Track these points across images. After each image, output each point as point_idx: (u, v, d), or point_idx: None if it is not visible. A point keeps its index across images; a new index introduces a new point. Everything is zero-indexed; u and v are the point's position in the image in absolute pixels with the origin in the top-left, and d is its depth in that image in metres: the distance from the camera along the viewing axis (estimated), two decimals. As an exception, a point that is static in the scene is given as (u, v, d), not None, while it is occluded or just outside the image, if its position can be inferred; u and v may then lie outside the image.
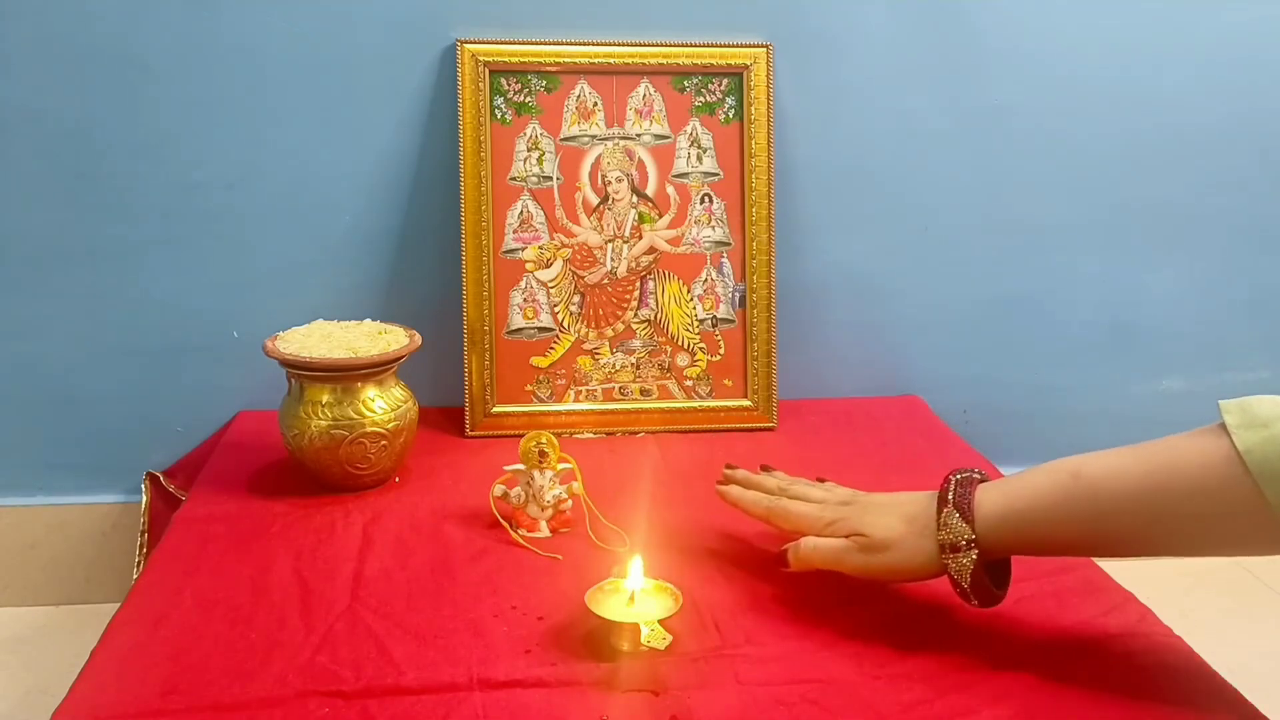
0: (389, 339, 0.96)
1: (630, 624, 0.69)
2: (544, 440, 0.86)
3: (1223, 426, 0.60)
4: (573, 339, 1.11)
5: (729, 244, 1.13)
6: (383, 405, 0.93)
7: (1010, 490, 0.68)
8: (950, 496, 0.69)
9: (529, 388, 1.11)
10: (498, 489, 0.88)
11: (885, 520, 0.72)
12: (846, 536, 0.73)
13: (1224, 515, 0.60)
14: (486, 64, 1.08)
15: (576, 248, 1.11)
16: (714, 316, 1.13)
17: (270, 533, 0.87)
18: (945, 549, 0.68)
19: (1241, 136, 1.21)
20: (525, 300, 1.11)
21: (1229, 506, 0.59)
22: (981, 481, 0.70)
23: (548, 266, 1.11)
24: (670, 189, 1.12)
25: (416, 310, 1.11)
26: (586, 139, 1.11)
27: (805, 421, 1.14)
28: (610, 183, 1.11)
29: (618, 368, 1.12)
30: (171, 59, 1.06)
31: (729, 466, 0.85)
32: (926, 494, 0.72)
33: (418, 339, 0.97)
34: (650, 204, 1.12)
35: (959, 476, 0.70)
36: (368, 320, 1.00)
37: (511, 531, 0.87)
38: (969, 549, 0.68)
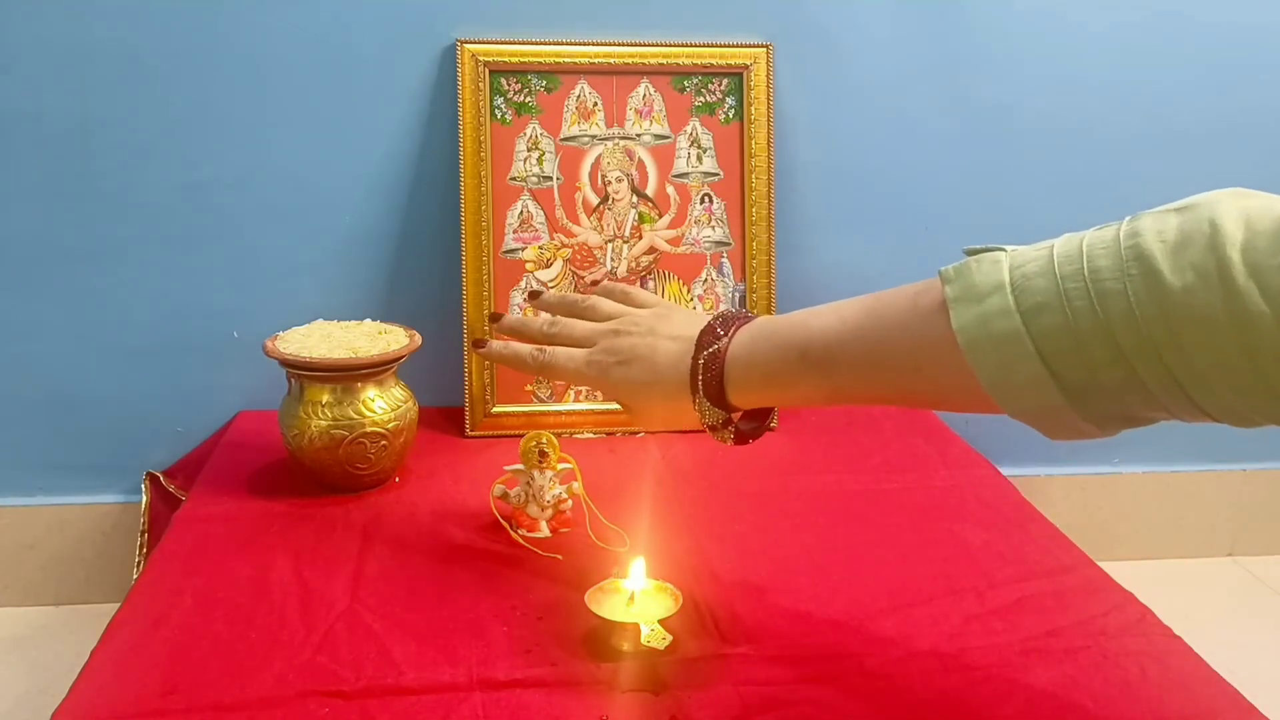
0: (389, 339, 0.96)
1: (630, 624, 0.69)
2: (544, 440, 0.86)
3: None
4: (573, 339, 1.11)
5: (729, 244, 1.13)
6: (383, 405, 0.93)
7: (753, 366, 0.65)
8: (700, 386, 0.67)
9: (529, 388, 1.11)
10: (498, 489, 0.88)
11: (645, 397, 0.70)
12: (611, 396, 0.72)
13: (952, 390, 0.57)
14: (486, 64, 1.08)
15: (576, 248, 1.11)
16: (714, 316, 1.13)
17: (270, 533, 0.87)
18: (706, 428, 0.69)
19: (1242, 136, 1.21)
20: (526, 300, 1.11)
21: (953, 384, 0.56)
22: (729, 345, 0.66)
23: (548, 266, 1.11)
24: (670, 189, 1.12)
25: (416, 310, 1.10)
26: (586, 139, 1.11)
27: (805, 421, 1.14)
28: (610, 183, 1.11)
29: (618, 368, 1.11)
30: (171, 59, 1.06)
31: (494, 318, 0.79)
32: (685, 357, 0.68)
33: (418, 339, 0.97)
34: (650, 204, 1.12)
35: (707, 354, 0.66)
36: (368, 320, 1.00)
37: (511, 531, 0.87)
38: (726, 428, 0.68)
